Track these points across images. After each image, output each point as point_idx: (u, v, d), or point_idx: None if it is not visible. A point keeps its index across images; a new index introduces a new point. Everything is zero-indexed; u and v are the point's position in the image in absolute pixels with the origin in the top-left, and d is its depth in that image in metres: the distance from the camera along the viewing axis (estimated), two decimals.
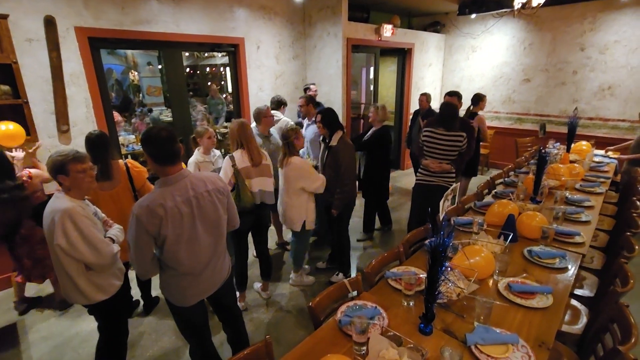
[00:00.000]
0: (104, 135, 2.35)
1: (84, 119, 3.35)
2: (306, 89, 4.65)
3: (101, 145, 2.26)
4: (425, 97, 4.68)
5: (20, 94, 2.79)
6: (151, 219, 1.48)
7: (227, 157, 2.53)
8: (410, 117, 5.27)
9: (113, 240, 1.82)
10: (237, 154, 2.52)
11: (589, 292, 2.21)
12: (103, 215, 1.96)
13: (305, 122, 3.78)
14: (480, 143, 4.42)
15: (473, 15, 6.07)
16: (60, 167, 1.64)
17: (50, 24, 2.99)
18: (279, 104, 3.86)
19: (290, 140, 2.66)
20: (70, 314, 2.85)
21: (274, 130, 3.44)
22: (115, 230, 1.91)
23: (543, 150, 2.73)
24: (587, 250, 2.17)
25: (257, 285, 3.10)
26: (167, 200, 1.52)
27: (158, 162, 1.54)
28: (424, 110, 4.61)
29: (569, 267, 1.94)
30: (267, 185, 2.64)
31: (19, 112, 2.81)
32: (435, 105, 5.16)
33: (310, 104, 3.69)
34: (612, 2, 5.09)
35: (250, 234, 2.81)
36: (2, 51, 2.66)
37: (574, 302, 2.08)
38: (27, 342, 2.58)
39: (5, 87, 2.73)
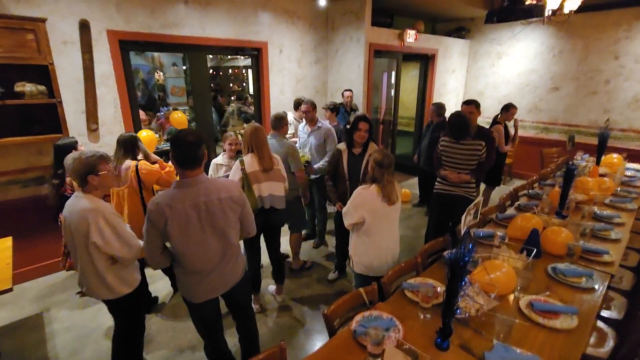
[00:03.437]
0: (128, 138, 2.59)
1: (112, 118, 3.47)
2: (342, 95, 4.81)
3: (123, 145, 2.54)
4: (434, 107, 4.41)
5: (54, 94, 2.92)
6: (158, 217, 1.58)
7: (237, 161, 2.57)
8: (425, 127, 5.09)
9: None
10: (247, 158, 2.54)
11: (617, 314, 2.10)
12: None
13: (306, 128, 3.58)
14: (508, 152, 4.28)
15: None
16: (92, 167, 1.73)
17: (84, 27, 3.12)
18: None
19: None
20: (92, 307, 2.95)
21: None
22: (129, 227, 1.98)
23: (571, 163, 2.63)
24: (617, 270, 2.07)
25: (272, 288, 3.11)
26: (177, 202, 1.59)
27: (179, 164, 1.62)
28: (436, 122, 4.38)
29: (596, 287, 1.85)
30: (278, 189, 2.63)
31: (52, 111, 2.95)
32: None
33: (315, 109, 3.50)
34: None
35: (263, 238, 2.83)
36: (40, 53, 2.79)
37: (600, 323, 1.98)
38: (51, 331, 2.69)
39: (42, 87, 2.86)
